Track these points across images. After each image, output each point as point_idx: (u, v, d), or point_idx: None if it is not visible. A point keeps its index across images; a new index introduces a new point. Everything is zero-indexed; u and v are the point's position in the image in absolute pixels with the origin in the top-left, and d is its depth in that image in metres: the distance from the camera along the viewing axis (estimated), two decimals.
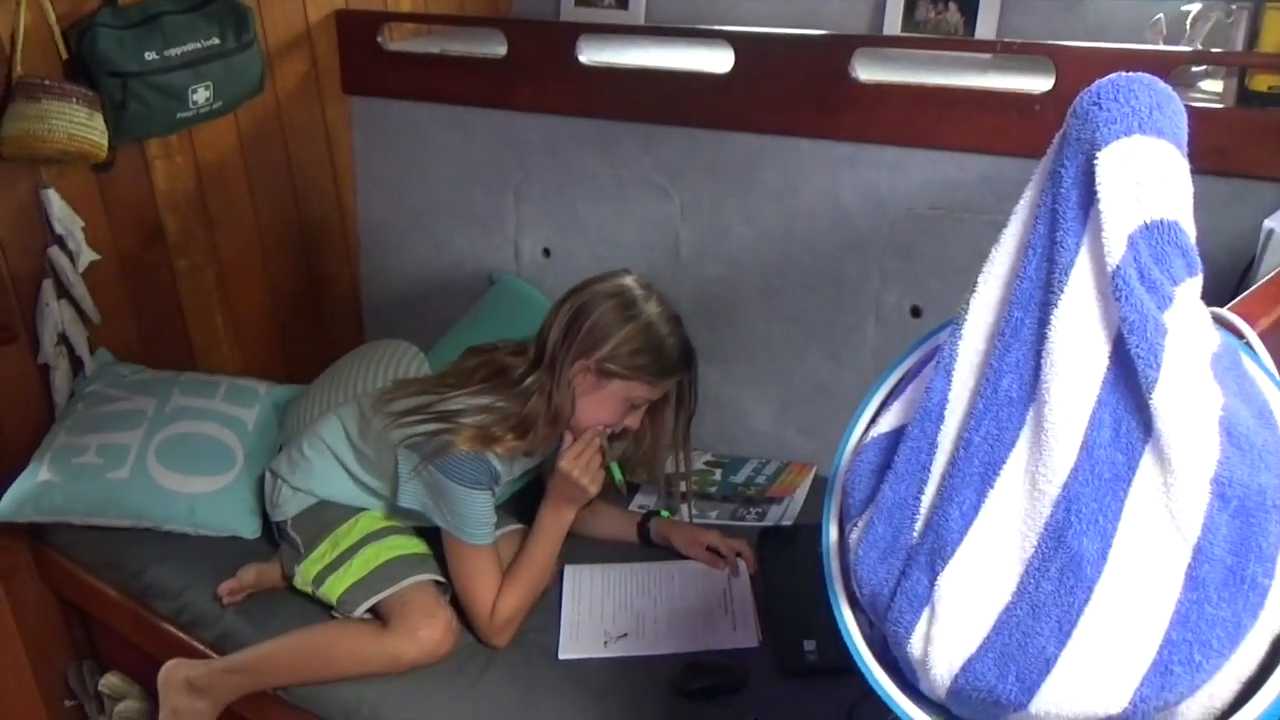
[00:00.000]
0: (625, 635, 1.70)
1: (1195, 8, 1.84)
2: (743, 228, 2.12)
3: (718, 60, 2.06)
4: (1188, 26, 1.84)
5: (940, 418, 0.70)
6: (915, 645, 0.68)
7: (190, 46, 2.05)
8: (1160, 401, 0.60)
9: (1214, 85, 1.77)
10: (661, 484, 1.94)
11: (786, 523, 1.98)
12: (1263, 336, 0.89)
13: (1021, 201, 0.69)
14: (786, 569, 1.80)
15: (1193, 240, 0.64)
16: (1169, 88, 0.66)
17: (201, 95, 2.08)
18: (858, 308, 2.03)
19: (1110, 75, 0.65)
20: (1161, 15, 1.87)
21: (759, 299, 2.14)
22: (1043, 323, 0.65)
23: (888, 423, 0.76)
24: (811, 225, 2.03)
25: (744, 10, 2.48)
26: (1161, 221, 0.63)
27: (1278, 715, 0.62)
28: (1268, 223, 1.24)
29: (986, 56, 2.08)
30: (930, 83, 1.88)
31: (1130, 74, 0.65)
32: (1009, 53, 1.81)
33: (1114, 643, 0.61)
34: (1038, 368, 0.65)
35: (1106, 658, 0.61)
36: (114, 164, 2.07)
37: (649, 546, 1.93)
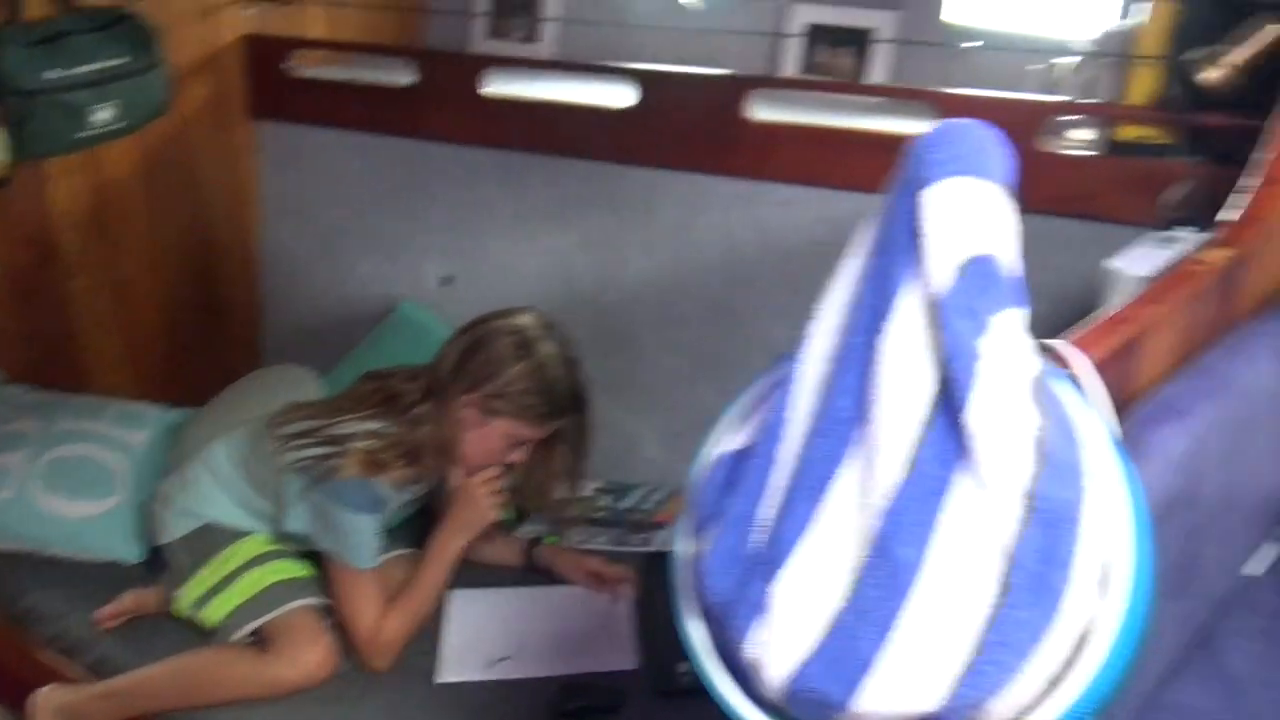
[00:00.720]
0: (506, 659, 1.71)
1: (1072, 61, 1.94)
2: (641, 260, 2.16)
3: (621, 96, 2.10)
4: (1064, 77, 1.93)
5: (780, 436, 0.74)
6: (752, 651, 0.71)
7: (95, 66, 2.02)
8: (972, 421, 0.64)
9: (1086, 134, 1.86)
10: (549, 511, 1.95)
11: (670, 548, 2.00)
12: (1099, 367, 0.95)
13: (862, 234, 0.74)
14: (667, 593, 1.82)
15: (1013, 273, 0.68)
16: (994, 133, 0.70)
17: (104, 115, 2.05)
18: (747, 340, 2.08)
19: (942, 121, 0.70)
20: (1042, 66, 1.96)
21: (654, 330, 2.18)
22: (874, 348, 0.69)
23: (736, 441, 0.80)
24: (706, 259, 2.08)
25: (655, 46, 2.53)
26: (980, 256, 0.67)
27: (1082, 710, 0.67)
28: (1105, 263, 1.32)
29: (877, 100, 2.15)
30: (822, 124, 1.95)
31: (959, 120, 0.70)
32: (896, 97, 1.88)
33: (930, 646, 0.65)
34: (871, 390, 0.69)
35: (923, 660, 0.65)
36: (11, 181, 2.03)
37: (534, 572, 1.94)
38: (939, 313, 0.66)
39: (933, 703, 0.65)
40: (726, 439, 0.81)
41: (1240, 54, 1.50)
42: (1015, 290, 0.69)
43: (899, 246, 0.69)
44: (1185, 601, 1.26)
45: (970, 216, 0.67)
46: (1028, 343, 0.70)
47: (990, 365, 0.65)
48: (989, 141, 0.70)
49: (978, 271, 0.67)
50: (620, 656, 1.71)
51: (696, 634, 0.80)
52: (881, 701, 0.66)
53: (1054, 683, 0.66)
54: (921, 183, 0.68)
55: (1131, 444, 1.06)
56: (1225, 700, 1.28)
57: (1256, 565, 1.49)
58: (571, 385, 1.75)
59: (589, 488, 2.19)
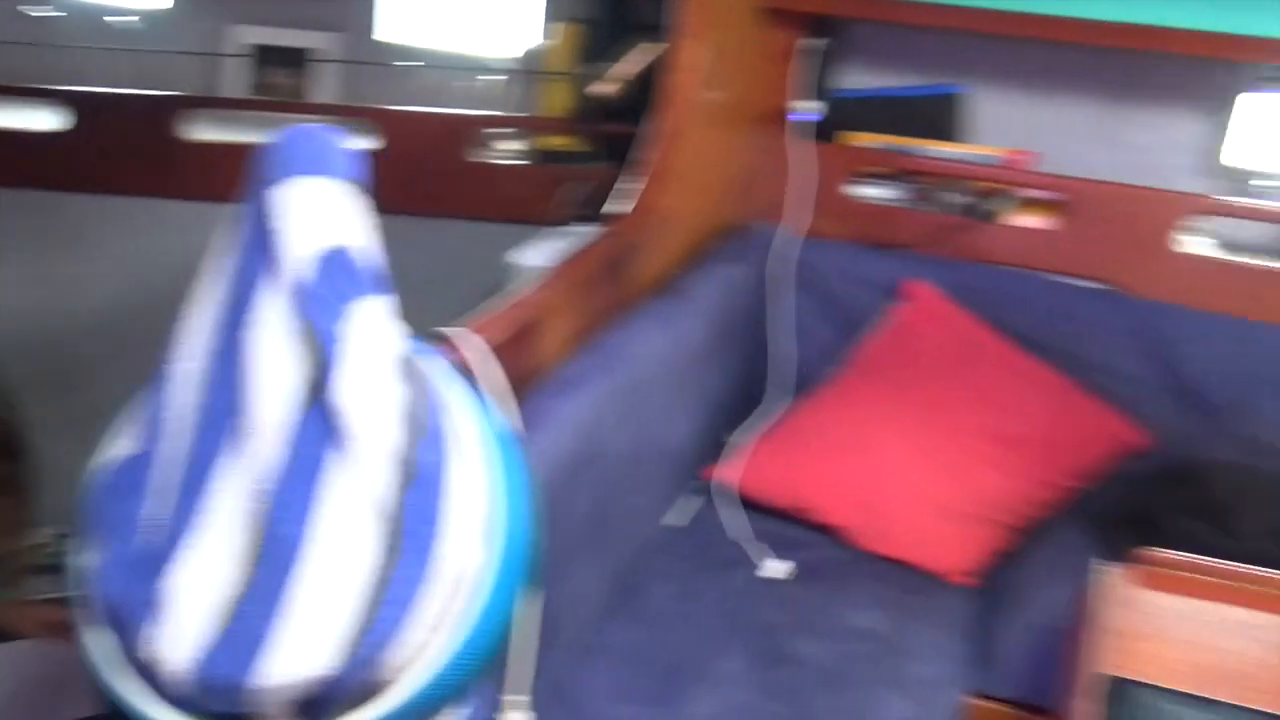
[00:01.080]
0: None
1: (498, 78, 2.10)
2: (89, 290, 2.04)
3: (53, 119, 1.98)
4: (493, 93, 2.08)
5: (162, 435, 0.76)
6: (148, 649, 0.73)
7: None
8: (339, 399, 0.70)
9: (516, 145, 2.02)
10: None
11: None
12: (498, 349, 1.06)
13: (227, 234, 0.77)
14: None
15: (369, 264, 0.75)
16: (336, 136, 0.77)
17: None
18: None
19: (289, 128, 0.75)
20: (476, 82, 2.10)
21: (111, 362, 2.05)
22: (242, 341, 0.73)
23: (124, 447, 0.80)
24: (160, 283, 1.98)
25: (90, 67, 2.39)
26: (333, 248, 0.73)
27: (473, 651, 0.75)
28: (506, 256, 1.46)
29: (321, 118, 2.19)
30: (266, 143, 1.95)
31: (302, 126, 0.75)
32: (339, 114, 1.93)
33: (322, 613, 0.70)
34: (243, 382, 0.73)
35: (317, 627, 0.70)
36: None
37: None
38: (300, 303, 0.71)
39: (332, 664, 0.70)
40: (117, 445, 0.81)
41: (624, 70, 1.71)
42: (373, 279, 0.75)
43: (256, 244, 0.74)
44: (607, 551, 1.42)
45: (319, 212, 0.73)
46: (389, 326, 0.77)
47: (352, 347, 0.71)
48: (332, 144, 0.76)
49: (332, 263, 0.73)
50: (87, 704, 1.61)
51: (100, 645, 0.79)
52: (283, 673, 0.69)
53: (439, 629, 0.74)
54: (272, 183, 0.73)
55: (533, 415, 1.18)
56: (651, 634, 1.45)
57: (678, 516, 1.70)
58: (4, 432, 1.63)
59: (45, 535, 2.03)
